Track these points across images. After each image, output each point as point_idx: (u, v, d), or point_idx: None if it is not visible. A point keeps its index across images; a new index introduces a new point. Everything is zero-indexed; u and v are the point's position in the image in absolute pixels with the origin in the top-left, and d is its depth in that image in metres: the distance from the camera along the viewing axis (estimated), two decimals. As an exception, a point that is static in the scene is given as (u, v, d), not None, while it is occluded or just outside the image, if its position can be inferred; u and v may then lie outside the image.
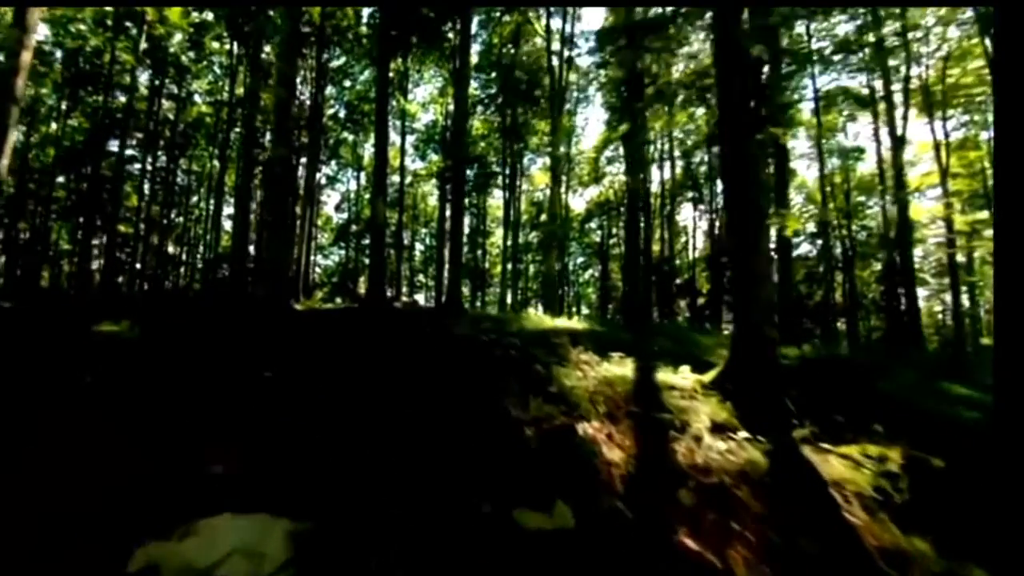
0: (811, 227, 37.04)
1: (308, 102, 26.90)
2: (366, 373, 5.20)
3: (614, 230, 37.20)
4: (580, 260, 40.61)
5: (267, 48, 24.00)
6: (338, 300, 17.81)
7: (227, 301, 9.22)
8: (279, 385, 4.78)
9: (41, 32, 28.94)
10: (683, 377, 5.72)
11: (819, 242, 37.10)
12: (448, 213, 34.08)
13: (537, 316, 11.28)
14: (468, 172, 29.47)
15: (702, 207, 35.15)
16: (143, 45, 25.80)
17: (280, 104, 8.44)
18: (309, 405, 4.35)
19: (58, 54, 28.28)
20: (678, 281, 35.62)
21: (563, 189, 23.29)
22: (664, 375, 5.88)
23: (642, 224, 32.10)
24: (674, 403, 5.00)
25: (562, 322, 11.24)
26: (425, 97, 30.13)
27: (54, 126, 31.44)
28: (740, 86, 5.68)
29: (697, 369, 6.91)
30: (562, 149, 20.53)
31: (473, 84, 26.76)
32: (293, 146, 8.73)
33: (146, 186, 29.85)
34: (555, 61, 21.35)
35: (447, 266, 11.70)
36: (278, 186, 8.07)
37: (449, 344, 6.35)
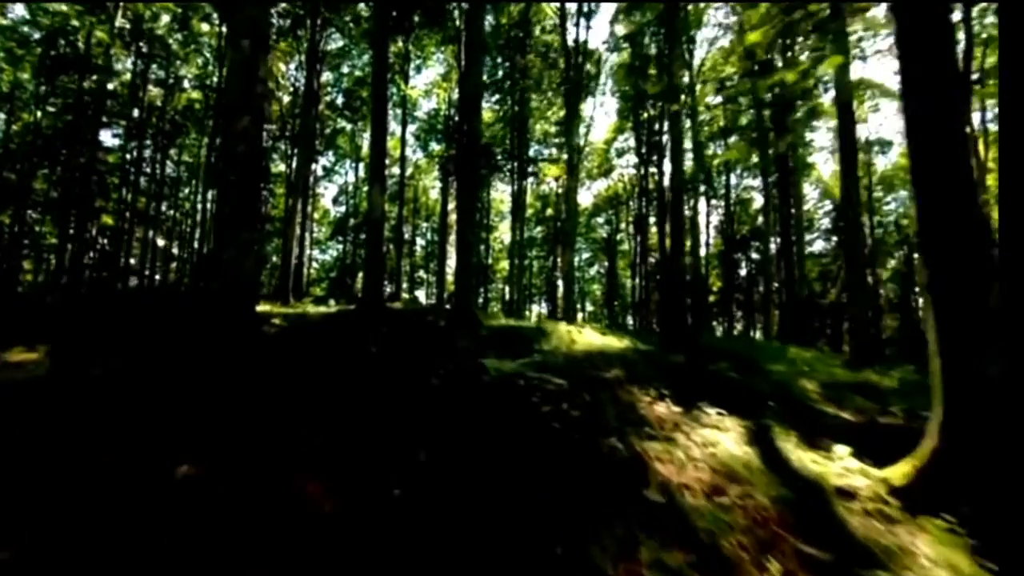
0: (825, 223, 35.04)
1: (302, 88, 24.67)
2: (345, 479, 3.08)
3: (622, 225, 35.06)
4: (586, 256, 38.50)
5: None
6: (332, 302, 15.67)
7: (177, 320, 7.07)
8: (197, 504, 2.67)
9: (17, 12, 26.57)
10: (845, 467, 3.61)
11: (834, 239, 35.09)
12: (452, 206, 31.86)
13: (565, 330, 9.19)
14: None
15: (713, 201, 33.06)
16: (121, 23, 23.42)
17: (244, 63, 6.26)
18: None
19: (36, 36, 25.89)
20: (687, 278, 33.52)
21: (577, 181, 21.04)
22: (811, 460, 3.78)
23: (654, 218, 30.01)
24: (857, 528, 2.91)
25: (596, 337, 9.13)
26: (427, 84, 27.79)
27: (39, 114, 29.02)
28: (943, 41, 3.54)
29: (815, 429, 4.85)
30: (578, 139, 18.34)
31: (477, 71, 24.51)
32: (263, 118, 6.47)
33: (132, 177, 27.49)
34: (570, 40, 19.08)
35: (456, 269, 9.60)
36: (241, 169, 5.90)
37: (477, 399, 4.23)
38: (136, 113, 27.04)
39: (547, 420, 3.95)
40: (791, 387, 6.53)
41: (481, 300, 34.07)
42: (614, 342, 8.82)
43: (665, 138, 27.49)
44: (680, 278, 9.94)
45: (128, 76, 27.61)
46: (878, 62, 22.05)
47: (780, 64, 24.67)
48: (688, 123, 28.77)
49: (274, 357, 5.13)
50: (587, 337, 8.98)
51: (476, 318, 8.82)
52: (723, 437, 4.08)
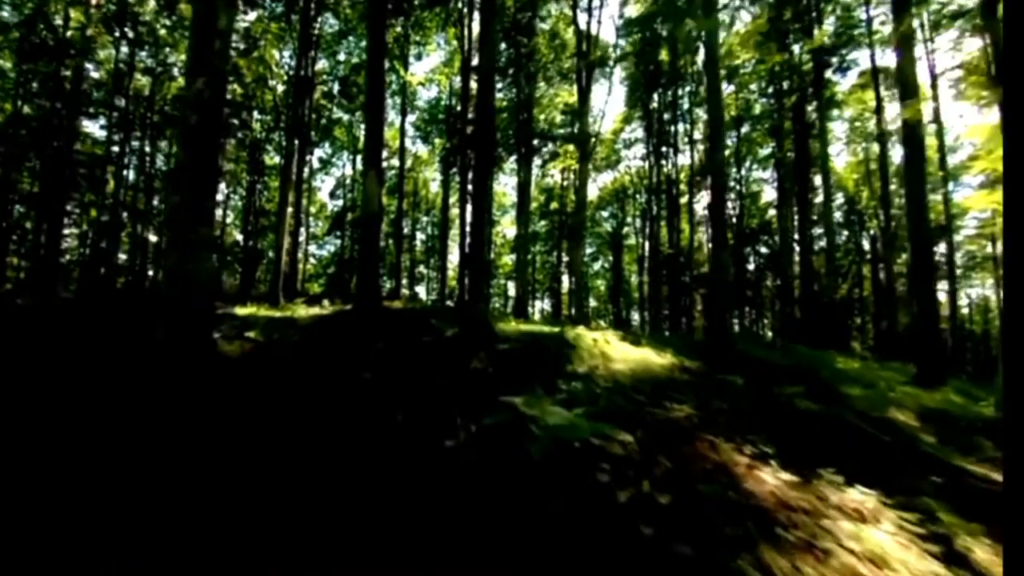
0: (837, 217, 33.54)
1: (292, 73, 23.12)
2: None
3: (628, 219, 33.59)
4: (590, 251, 37.03)
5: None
6: (326, 302, 14.22)
7: (131, 336, 5.64)
8: None
9: (-5, -5, 24.80)
10: None
11: (845, 233, 33.68)
12: (453, 199, 30.32)
13: (591, 340, 7.78)
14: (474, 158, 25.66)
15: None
16: (105, 7, 21.77)
17: (199, 17, 4.80)
18: None
19: (16, 20, 24.16)
20: (694, 272, 32.16)
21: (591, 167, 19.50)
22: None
23: (664, 211, 28.53)
24: None
25: (629, 350, 7.71)
26: (428, 72, 26.12)
27: (20, 103, 27.31)
28: None
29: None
30: (589, 126, 16.84)
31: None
32: (224, 82, 4.90)
33: (122, 170, 25.91)
34: (582, 23, 17.51)
35: (465, 268, 8.13)
36: (194, 145, 4.46)
37: (518, 478, 2.80)
38: (122, 103, 25.43)
39: (631, 518, 2.54)
40: (893, 424, 5.13)
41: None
42: (652, 356, 7.42)
43: (681, 126, 26.07)
44: (723, 278, 8.55)
45: (114, 63, 25.95)
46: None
47: (797, 49, 23.19)
48: (699, 112, 27.31)
49: (228, 400, 3.69)
50: (620, 349, 7.57)
51: (489, 327, 7.40)
52: (884, 539, 2.68)
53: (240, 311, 11.90)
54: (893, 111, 26.77)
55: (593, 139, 18.00)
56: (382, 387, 4.58)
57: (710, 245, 32.90)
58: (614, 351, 7.31)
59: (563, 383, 4.93)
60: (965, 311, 36.72)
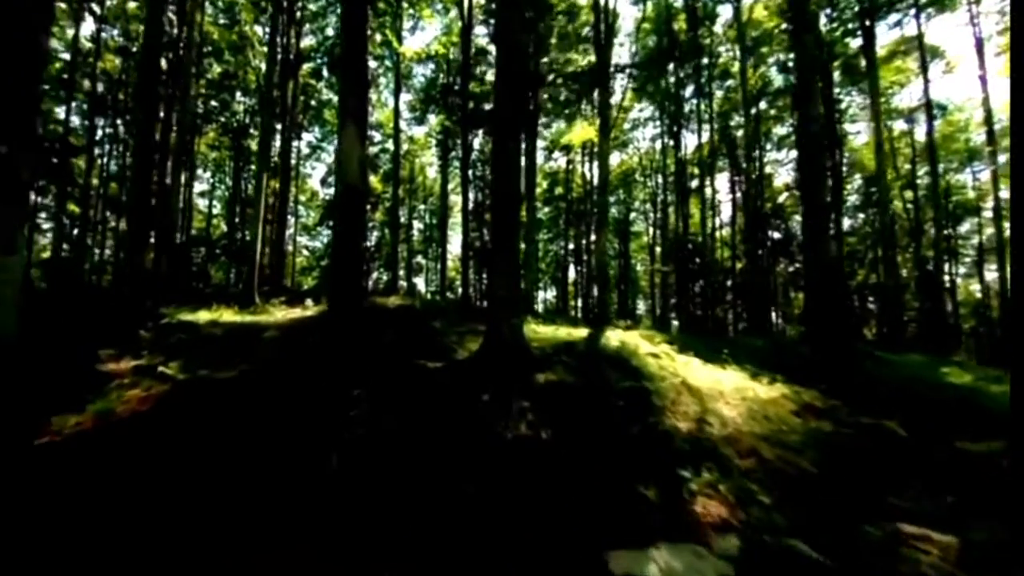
0: (854, 199, 31.28)
1: (280, 51, 20.53)
2: None
3: (636, 204, 31.16)
4: (594, 239, 34.67)
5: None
6: (309, 301, 11.85)
7: None
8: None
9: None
10: None
11: (860, 216, 31.43)
12: (452, 185, 27.80)
13: (651, 356, 5.54)
14: (475, 141, 23.16)
15: (738, 177, 29.22)
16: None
17: None
18: None
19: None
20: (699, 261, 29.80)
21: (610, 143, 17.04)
22: None
23: (676, 198, 26.19)
24: None
25: (721, 378, 5.42)
26: (424, 46, 23.41)
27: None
28: None
29: None
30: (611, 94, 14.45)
31: (480, 30, 20.28)
32: None
33: (84, 157, 23.23)
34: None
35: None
36: None
37: None
38: (90, 85, 22.74)
39: None
40: None
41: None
42: (752, 385, 5.14)
43: (702, 103, 23.73)
44: (833, 272, 6.26)
45: (86, 43, 23.19)
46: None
47: (825, 18, 20.74)
48: (715, 89, 24.87)
49: None
50: (701, 375, 5.27)
51: (526, 350, 5.09)
52: None
53: (204, 315, 9.54)
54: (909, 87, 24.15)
55: (615, 109, 15.60)
56: (357, 506, 2.27)
57: (722, 231, 30.65)
58: (697, 378, 5.04)
59: (691, 476, 2.66)
60: (980, 296, 34.60)
